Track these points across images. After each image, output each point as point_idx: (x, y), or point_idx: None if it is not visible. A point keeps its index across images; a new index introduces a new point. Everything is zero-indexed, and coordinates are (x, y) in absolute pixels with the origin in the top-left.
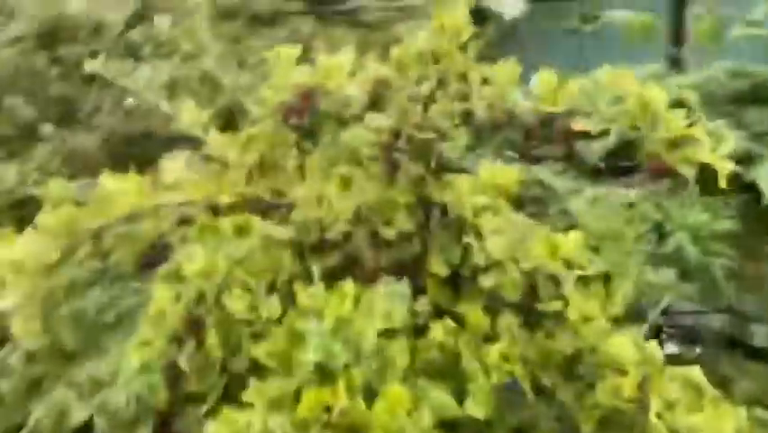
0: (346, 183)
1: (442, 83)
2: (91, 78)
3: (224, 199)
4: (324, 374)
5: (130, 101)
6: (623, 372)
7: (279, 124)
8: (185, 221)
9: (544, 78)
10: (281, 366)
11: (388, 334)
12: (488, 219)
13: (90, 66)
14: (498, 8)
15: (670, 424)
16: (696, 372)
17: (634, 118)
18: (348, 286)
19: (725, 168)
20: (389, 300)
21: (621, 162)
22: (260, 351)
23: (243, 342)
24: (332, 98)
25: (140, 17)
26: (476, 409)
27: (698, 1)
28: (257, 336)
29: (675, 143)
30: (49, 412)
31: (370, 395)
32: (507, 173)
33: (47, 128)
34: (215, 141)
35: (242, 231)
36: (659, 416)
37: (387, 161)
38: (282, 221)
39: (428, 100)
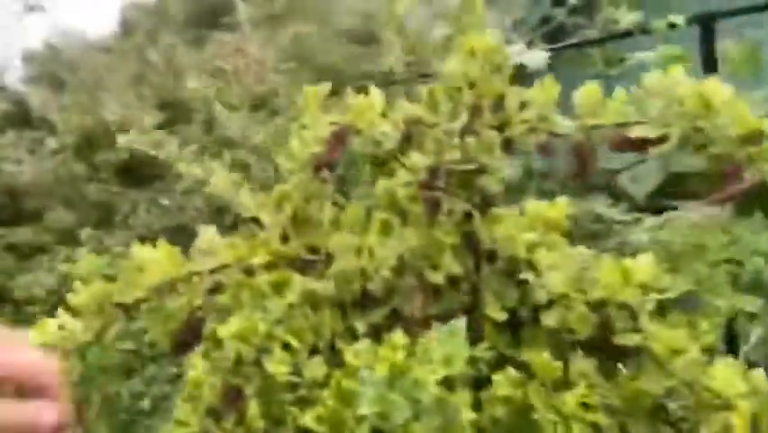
0: (386, 229)
1: (477, 110)
2: (129, 181)
3: (259, 260)
4: None
5: (164, 201)
6: (729, 407)
7: (311, 176)
8: (219, 288)
9: (587, 92)
10: (333, 431)
11: (448, 384)
12: (542, 254)
13: (123, 139)
14: (521, 60)
15: None
16: None
17: (694, 117)
18: (398, 336)
19: None
20: (447, 344)
21: (666, 200)
22: (306, 418)
23: (287, 410)
24: (364, 138)
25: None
26: None
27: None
28: (302, 402)
29: (748, 139)
30: None
31: None
32: (557, 207)
33: (86, 232)
34: (247, 201)
35: (279, 288)
36: None
37: (426, 201)
38: (320, 277)
39: (465, 132)
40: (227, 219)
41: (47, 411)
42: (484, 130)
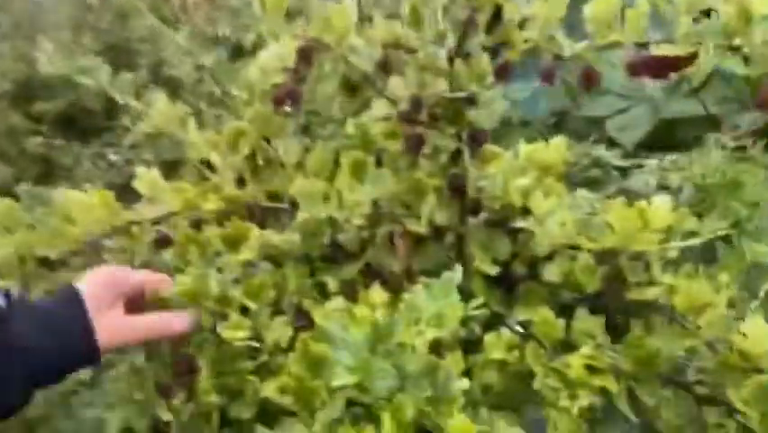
0: (358, 171)
1: (470, 26)
2: (72, 134)
3: (211, 206)
4: (361, 411)
5: (112, 156)
6: (760, 370)
7: (272, 109)
8: (164, 242)
9: (600, 5)
10: (301, 404)
11: (437, 347)
12: (540, 200)
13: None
14: None
15: None
16: None
17: (731, 34)
18: (376, 293)
19: None
20: (438, 300)
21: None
22: (269, 389)
23: (246, 380)
24: (334, 56)
25: None
26: None
27: None
28: (263, 371)
29: None
30: None
31: None
32: (554, 149)
33: (23, 187)
34: (195, 138)
35: (234, 242)
36: None
37: (407, 138)
38: (283, 228)
39: (454, 55)
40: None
41: (177, 320)
42: (476, 53)
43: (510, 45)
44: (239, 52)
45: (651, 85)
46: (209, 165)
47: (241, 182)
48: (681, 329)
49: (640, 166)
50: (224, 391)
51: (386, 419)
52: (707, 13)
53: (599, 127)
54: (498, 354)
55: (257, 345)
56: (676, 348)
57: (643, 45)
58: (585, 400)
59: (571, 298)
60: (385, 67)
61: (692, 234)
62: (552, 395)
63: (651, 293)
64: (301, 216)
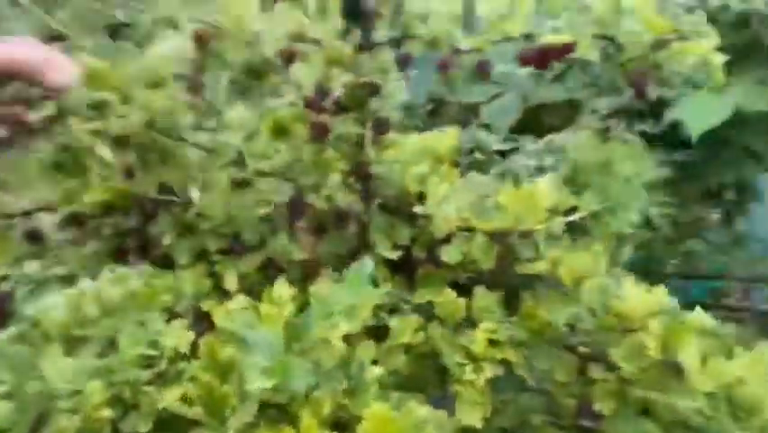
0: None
1: (374, 19)
2: None
3: (92, 198)
4: (276, 412)
5: None
6: (637, 329)
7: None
8: (34, 237)
9: (492, 3)
10: (209, 412)
11: (347, 338)
12: (435, 187)
13: None
14: None
15: (708, 378)
16: (707, 318)
17: (606, 24)
18: (281, 288)
19: (718, 61)
20: (353, 291)
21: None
22: (169, 398)
23: (142, 391)
24: (234, 41)
25: None
26: (470, 415)
27: None
28: (161, 381)
29: (657, 45)
30: None
31: (340, 427)
32: (447, 137)
33: None
34: (78, 127)
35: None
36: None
37: (313, 124)
38: (178, 225)
39: (359, 47)
40: None
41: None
42: (380, 44)
43: (412, 38)
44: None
45: (519, 72)
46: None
47: (129, 173)
48: (565, 298)
49: (517, 149)
50: (117, 405)
51: (304, 416)
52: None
53: (475, 113)
54: (405, 338)
55: (153, 352)
56: (562, 316)
57: (529, 37)
58: (489, 372)
59: (467, 278)
60: (289, 56)
61: (571, 210)
62: (458, 371)
63: (538, 267)
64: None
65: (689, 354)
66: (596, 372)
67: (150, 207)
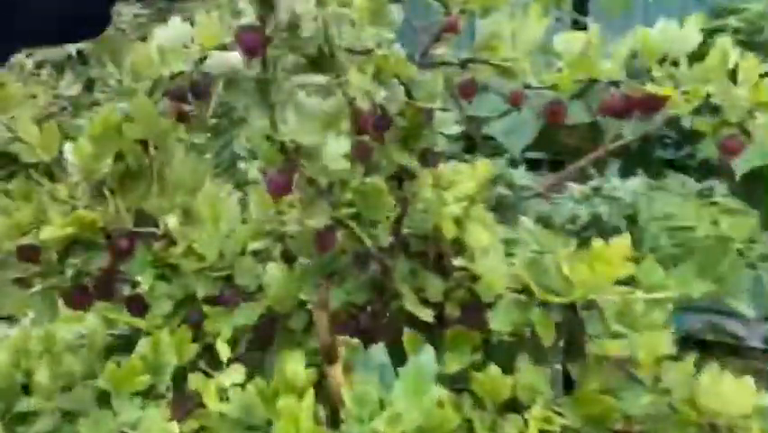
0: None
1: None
2: None
3: (54, 233)
4: None
5: None
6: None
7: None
8: None
9: (571, 39)
10: None
11: None
12: (477, 234)
13: None
14: None
15: None
16: None
17: (711, 83)
18: (296, 365)
19: None
20: (410, 394)
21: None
22: None
23: None
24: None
25: None
26: None
27: None
28: None
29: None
30: None
31: None
32: (480, 170)
33: None
34: (29, 133)
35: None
36: None
37: (359, 145)
38: (156, 260)
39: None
40: None
41: None
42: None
43: (481, 62)
44: None
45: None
46: (50, 174)
47: (100, 196)
48: (640, 385)
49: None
50: None
51: None
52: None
53: (477, 127)
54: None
55: None
56: (636, 407)
57: (615, 84)
58: None
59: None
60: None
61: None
62: None
63: (611, 348)
64: (183, 244)
65: None
66: None
67: (125, 244)
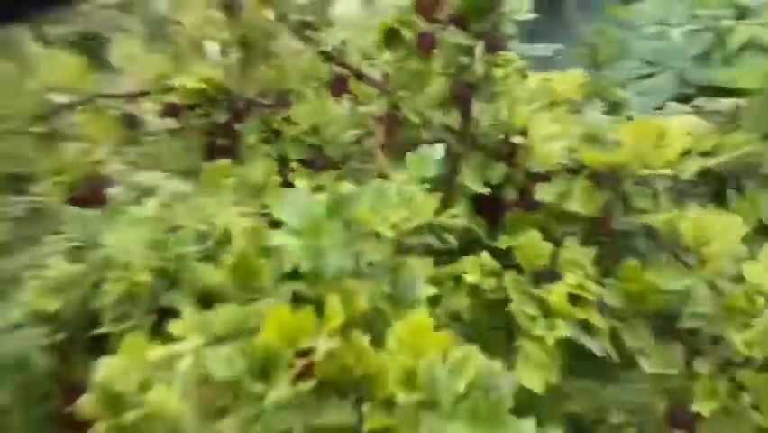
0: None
1: None
2: None
3: (190, 81)
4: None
5: None
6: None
7: None
8: (133, 123)
9: None
10: (240, 284)
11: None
12: (541, 122)
13: None
14: None
15: None
16: None
17: None
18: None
19: None
20: (413, 175)
21: None
22: (210, 274)
23: (188, 269)
24: None
25: None
26: (532, 376)
27: None
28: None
29: None
30: None
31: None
32: (570, 79)
33: None
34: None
35: None
36: None
37: (422, 36)
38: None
39: None
40: None
41: None
42: None
43: None
44: None
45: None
46: None
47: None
48: (683, 266)
49: None
50: (162, 278)
51: (331, 302)
52: None
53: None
54: (473, 278)
55: (205, 229)
56: (678, 284)
57: None
58: (563, 330)
59: (560, 232)
60: None
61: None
62: (527, 323)
63: (655, 219)
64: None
65: None
66: (702, 365)
67: (241, 106)
